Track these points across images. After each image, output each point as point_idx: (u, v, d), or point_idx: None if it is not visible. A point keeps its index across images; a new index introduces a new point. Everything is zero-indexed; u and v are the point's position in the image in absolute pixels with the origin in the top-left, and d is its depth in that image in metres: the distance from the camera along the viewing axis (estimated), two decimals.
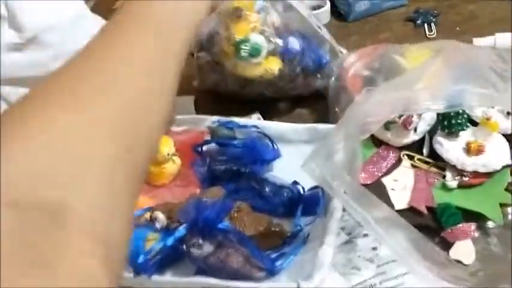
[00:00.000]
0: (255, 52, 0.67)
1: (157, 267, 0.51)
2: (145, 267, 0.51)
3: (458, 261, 0.53)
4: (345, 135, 0.55)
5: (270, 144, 0.65)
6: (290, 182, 0.59)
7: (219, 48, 0.70)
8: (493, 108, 0.59)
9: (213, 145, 0.66)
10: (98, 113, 0.29)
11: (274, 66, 0.69)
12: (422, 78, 0.53)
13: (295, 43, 0.71)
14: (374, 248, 0.56)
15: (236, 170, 0.62)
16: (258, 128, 0.66)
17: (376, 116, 0.55)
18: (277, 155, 0.64)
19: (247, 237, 0.52)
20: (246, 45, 0.66)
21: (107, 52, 0.32)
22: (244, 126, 0.66)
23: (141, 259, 0.51)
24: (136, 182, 0.30)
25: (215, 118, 0.69)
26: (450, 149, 0.59)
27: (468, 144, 0.59)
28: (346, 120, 0.56)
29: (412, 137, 0.62)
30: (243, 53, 0.66)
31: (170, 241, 0.51)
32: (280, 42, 0.69)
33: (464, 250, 0.54)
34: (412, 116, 0.60)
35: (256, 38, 0.67)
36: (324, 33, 0.76)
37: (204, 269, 0.52)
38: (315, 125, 0.68)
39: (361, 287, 0.53)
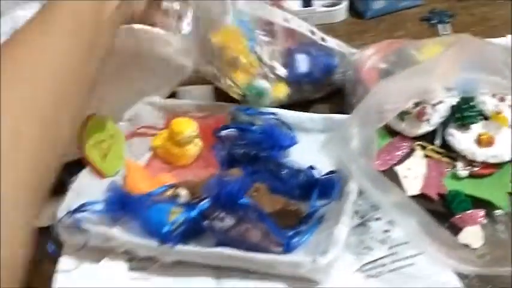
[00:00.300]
0: (261, 94, 0.70)
1: (180, 238, 0.54)
2: (169, 237, 0.53)
3: (467, 246, 0.56)
4: (362, 122, 0.57)
5: (287, 132, 0.68)
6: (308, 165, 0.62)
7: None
8: (504, 101, 0.62)
9: (232, 130, 0.69)
10: None
11: (280, 93, 0.72)
12: (437, 68, 0.55)
13: (302, 62, 0.72)
14: (386, 231, 0.58)
15: (254, 154, 0.65)
16: (276, 115, 0.69)
17: (392, 104, 0.58)
18: (294, 142, 0.67)
19: (266, 214, 0.55)
20: (250, 92, 0.69)
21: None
22: (263, 113, 0.69)
23: (165, 229, 0.53)
24: None
25: (235, 105, 0.71)
26: (462, 140, 0.62)
27: (479, 136, 0.61)
28: (363, 107, 0.59)
29: (425, 128, 0.65)
30: (250, 98, 0.69)
31: (194, 213, 0.54)
32: (284, 71, 0.71)
33: (472, 235, 0.56)
34: (426, 108, 0.63)
35: (259, 83, 0.69)
36: (330, 43, 0.76)
37: (224, 241, 0.54)
38: (331, 115, 0.70)
39: (372, 266, 0.56)
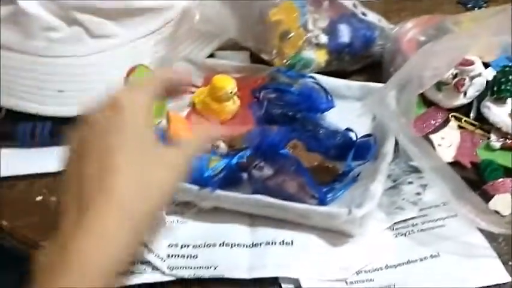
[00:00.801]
0: (307, 66, 0.72)
1: (220, 184, 0.56)
2: (209, 182, 0.55)
3: (497, 212, 0.57)
4: (401, 87, 0.59)
5: (325, 95, 0.69)
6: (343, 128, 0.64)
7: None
8: None
9: (270, 90, 0.70)
10: None
11: (321, 59, 0.73)
12: (479, 37, 0.56)
13: (344, 32, 0.74)
14: (418, 193, 0.60)
15: (292, 115, 0.67)
16: (314, 79, 0.70)
17: (432, 70, 0.59)
18: (331, 105, 0.68)
19: (303, 166, 0.57)
20: (297, 62, 0.71)
21: None
22: (302, 76, 0.71)
23: (206, 174, 0.55)
24: None
25: (274, 67, 0.73)
26: (497, 113, 0.63)
27: None
28: (403, 72, 0.60)
29: (461, 100, 0.66)
30: (297, 68, 0.71)
31: (235, 160, 0.56)
32: (325, 38, 0.73)
33: (503, 202, 0.58)
34: (465, 79, 0.64)
35: (307, 54, 0.72)
36: (370, 17, 0.78)
37: (261, 190, 0.56)
38: (368, 83, 0.72)
39: (403, 225, 0.57)
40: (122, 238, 0.35)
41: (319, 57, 0.73)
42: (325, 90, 0.69)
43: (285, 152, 0.56)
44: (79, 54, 0.69)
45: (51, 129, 0.68)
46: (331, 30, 0.73)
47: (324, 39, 0.73)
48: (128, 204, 0.35)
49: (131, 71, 0.65)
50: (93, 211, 0.34)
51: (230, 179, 0.57)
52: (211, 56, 0.80)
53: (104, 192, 0.35)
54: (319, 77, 0.71)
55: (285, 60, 0.72)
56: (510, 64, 0.63)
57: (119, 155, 0.36)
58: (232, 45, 0.81)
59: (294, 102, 0.68)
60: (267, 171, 0.56)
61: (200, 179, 0.55)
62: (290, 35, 0.71)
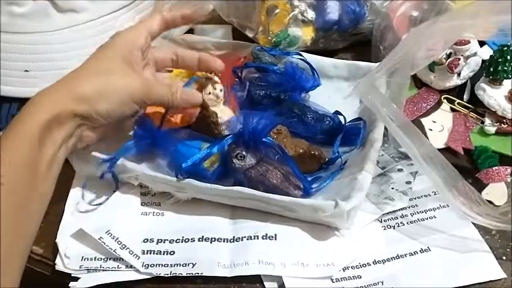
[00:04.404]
0: (292, 44, 0.69)
1: (219, 174, 0.53)
2: (205, 174, 0.52)
3: (490, 202, 0.54)
4: (393, 68, 0.55)
5: (311, 73, 0.65)
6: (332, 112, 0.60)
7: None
8: None
9: (253, 70, 0.66)
10: None
11: (307, 37, 0.70)
12: (476, 15, 0.52)
13: (333, 9, 0.70)
14: (408, 182, 0.57)
15: (276, 96, 0.63)
16: (301, 55, 0.66)
17: (425, 51, 0.55)
18: (316, 84, 0.64)
19: (288, 155, 0.53)
20: (283, 39, 0.68)
21: None
22: (287, 54, 0.66)
23: (201, 166, 0.51)
24: None
25: (257, 45, 0.68)
26: (493, 95, 0.60)
27: (511, 92, 0.59)
28: (395, 53, 0.56)
29: (454, 81, 0.62)
30: (282, 46, 0.69)
31: (215, 149, 0.52)
32: (312, 14, 0.69)
33: (497, 192, 0.55)
34: (459, 59, 0.61)
35: (293, 31, 0.68)
36: None
37: (243, 181, 0.52)
38: (356, 62, 0.68)
39: (392, 216, 0.54)
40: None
41: (305, 34, 0.68)
42: (311, 66, 0.65)
43: (269, 140, 0.53)
44: (45, 30, 0.63)
45: (17, 112, 0.64)
46: (318, 6, 0.69)
47: (311, 14, 0.68)
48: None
49: None
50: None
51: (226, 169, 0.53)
52: (190, 30, 0.75)
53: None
54: (304, 55, 0.67)
55: (270, 38, 0.67)
56: (508, 43, 0.59)
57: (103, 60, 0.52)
58: (213, 19, 0.76)
59: (278, 82, 0.64)
60: (249, 160, 0.52)
61: (196, 171, 0.52)
62: (276, 11, 0.66)
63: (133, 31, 0.55)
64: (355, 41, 0.73)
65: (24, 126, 0.46)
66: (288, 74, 0.64)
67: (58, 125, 0.47)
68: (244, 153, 0.52)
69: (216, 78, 0.58)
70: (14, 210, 0.42)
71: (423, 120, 0.61)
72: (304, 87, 0.63)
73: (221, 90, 0.57)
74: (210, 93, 0.56)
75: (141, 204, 0.55)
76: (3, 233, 0.41)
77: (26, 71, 0.63)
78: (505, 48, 0.59)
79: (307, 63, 0.65)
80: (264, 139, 0.52)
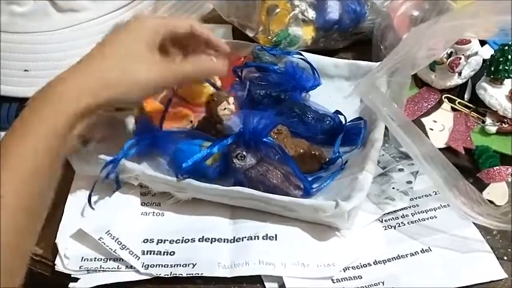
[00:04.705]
0: (294, 43, 0.68)
1: (220, 171, 0.53)
2: (207, 171, 0.52)
3: (491, 202, 0.54)
4: (394, 68, 0.55)
5: (311, 73, 0.65)
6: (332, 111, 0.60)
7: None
8: None
9: (253, 69, 0.66)
10: None
11: (307, 36, 0.70)
12: (477, 15, 0.52)
13: (334, 8, 0.70)
14: (408, 182, 0.56)
15: (276, 95, 0.62)
16: (301, 55, 0.66)
17: (426, 51, 0.55)
18: (317, 83, 0.64)
19: (288, 155, 0.53)
20: (283, 39, 0.68)
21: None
22: (287, 53, 0.66)
23: (203, 164, 0.51)
24: None
25: (257, 44, 0.68)
26: (494, 94, 0.60)
27: None
28: (396, 53, 0.56)
29: (455, 81, 0.62)
30: (283, 45, 0.68)
31: (215, 149, 0.52)
32: (313, 13, 0.69)
33: (498, 192, 0.55)
34: (460, 58, 0.60)
35: (293, 31, 0.68)
36: None
37: (243, 181, 0.52)
38: (357, 61, 0.67)
39: (393, 216, 0.54)
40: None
41: (306, 34, 0.68)
42: (311, 66, 0.65)
43: (269, 140, 0.52)
44: (45, 30, 0.63)
45: (17, 111, 0.63)
46: (319, 5, 0.68)
47: (311, 14, 0.68)
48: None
49: None
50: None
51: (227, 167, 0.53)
52: None
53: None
54: (305, 54, 0.67)
55: (270, 37, 0.67)
56: (509, 42, 0.59)
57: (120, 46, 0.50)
58: (213, 18, 0.76)
59: (278, 82, 0.64)
60: (250, 160, 0.52)
61: (198, 169, 0.52)
62: (277, 11, 0.66)
63: (158, 21, 0.52)
64: (355, 40, 0.73)
65: (49, 119, 0.44)
66: (288, 74, 0.63)
67: (82, 117, 0.46)
68: (244, 153, 0.52)
69: (228, 93, 0.58)
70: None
71: (424, 119, 0.61)
72: (304, 87, 0.63)
73: (233, 103, 0.57)
74: (225, 108, 0.56)
75: (141, 204, 0.55)
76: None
77: (25, 70, 0.63)
78: (506, 48, 0.59)
79: (308, 62, 0.65)
80: (264, 139, 0.52)
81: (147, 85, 0.49)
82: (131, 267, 0.49)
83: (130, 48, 0.49)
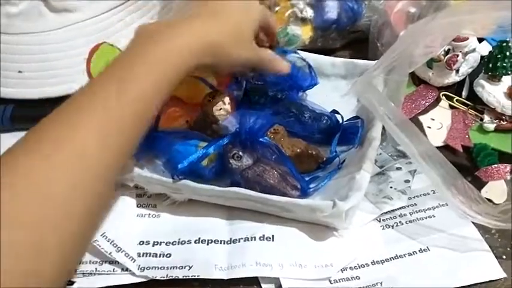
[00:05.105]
0: (292, 42, 0.68)
1: (216, 171, 0.53)
2: (203, 171, 0.52)
3: (490, 200, 0.54)
4: (391, 66, 0.54)
5: (308, 72, 0.64)
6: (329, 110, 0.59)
7: None
8: None
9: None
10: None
11: (305, 35, 0.69)
12: (474, 11, 0.52)
13: (332, 8, 0.69)
14: (406, 181, 0.56)
15: (273, 95, 0.62)
16: (298, 54, 0.65)
17: (423, 48, 0.54)
18: (314, 82, 0.63)
19: (285, 155, 0.53)
20: (284, 36, 0.68)
21: (81, 119, 0.38)
22: (285, 52, 0.65)
23: (200, 165, 0.51)
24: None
25: None
26: (492, 92, 0.59)
27: (510, 89, 0.59)
28: (393, 51, 0.55)
29: (453, 78, 0.62)
30: (281, 43, 0.68)
31: (211, 150, 0.51)
32: (311, 12, 0.69)
33: (496, 190, 0.54)
34: (458, 55, 0.60)
35: (292, 30, 0.68)
36: None
37: (240, 182, 0.52)
38: (354, 60, 0.67)
39: (391, 215, 0.54)
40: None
41: (304, 33, 0.68)
42: (308, 65, 0.64)
43: (266, 140, 0.52)
44: (40, 31, 0.62)
45: (12, 113, 0.63)
46: (317, 5, 0.68)
47: (309, 13, 0.67)
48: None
49: (95, 49, 0.59)
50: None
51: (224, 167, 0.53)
52: None
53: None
54: (301, 53, 0.66)
55: None
56: (507, 39, 0.58)
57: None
58: None
59: (275, 81, 0.63)
60: (246, 160, 0.52)
61: (194, 170, 0.51)
62: (278, 8, 0.65)
63: (263, 7, 0.54)
64: (352, 38, 0.73)
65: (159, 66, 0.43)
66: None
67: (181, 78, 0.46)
68: (240, 153, 0.51)
69: (224, 93, 0.57)
70: None
71: (421, 117, 0.61)
72: (301, 86, 0.63)
73: (229, 103, 0.56)
74: (221, 109, 0.56)
75: (137, 206, 0.55)
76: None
77: (19, 71, 0.63)
78: (504, 44, 0.59)
79: (305, 61, 0.64)
80: (261, 139, 0.51)
81: (237, 61, 0.51)
82: (127, 269, 0.49)
83: (242, 20, 0.51)
